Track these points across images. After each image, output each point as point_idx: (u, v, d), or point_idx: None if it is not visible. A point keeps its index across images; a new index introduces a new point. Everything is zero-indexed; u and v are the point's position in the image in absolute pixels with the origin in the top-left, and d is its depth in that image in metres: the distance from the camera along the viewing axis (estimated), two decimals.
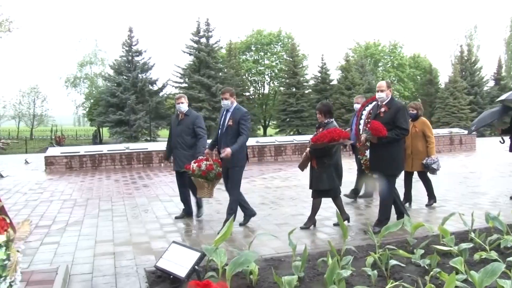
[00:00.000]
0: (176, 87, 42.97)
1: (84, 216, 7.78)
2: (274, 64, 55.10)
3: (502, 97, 9.09)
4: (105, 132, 48.51)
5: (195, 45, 41.98)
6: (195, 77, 40.11)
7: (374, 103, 6.66)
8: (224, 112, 6.68)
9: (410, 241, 5.21)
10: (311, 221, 6.63)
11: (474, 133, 17.67)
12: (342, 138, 6.21)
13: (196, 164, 6.48)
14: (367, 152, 6.50)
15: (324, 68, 45.49)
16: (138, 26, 59.99)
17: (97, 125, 44.87)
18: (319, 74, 45.73)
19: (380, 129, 5.91)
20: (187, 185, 7.18)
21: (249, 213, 6.87)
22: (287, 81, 45.98)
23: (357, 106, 8.15)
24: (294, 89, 44.75)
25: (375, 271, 4.03)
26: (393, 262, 4.27)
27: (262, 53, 56.27)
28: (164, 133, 37.11)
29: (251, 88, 54.05)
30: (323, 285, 3.89)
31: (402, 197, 7.29)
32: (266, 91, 56.87)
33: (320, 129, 6.53)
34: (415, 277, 3.98)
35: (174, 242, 4.87)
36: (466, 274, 3.80)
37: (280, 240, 5.82)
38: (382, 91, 6.20)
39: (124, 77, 40.13)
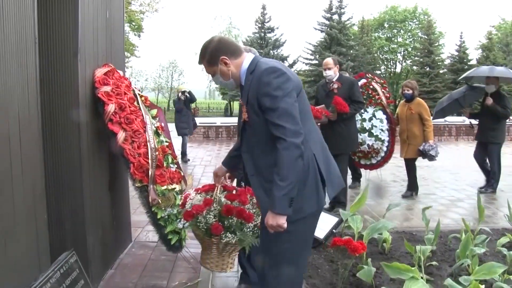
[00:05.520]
0: (306, 64, 43.33)
1: None
2: (408, 42, 52.92)
3: (468, 74, 7.94)
4: (235, 105, 50.60)
5: (327, 22, 41.82)
6: (326, 54, 39.97)
7: (362, 80, 7.54)
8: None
9: None
10: None
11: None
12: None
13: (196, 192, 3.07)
14: None
15: (462, 47, 42.84)
16: (270, 3, 61.01)
17: (228, 98, 46.97)
18: (456, 53, 43.19)
19: (344, 105, 5.81)
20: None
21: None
22: (421, 60, 44.00)
23: None
24: (428, 69, 42.73)
25: (511, 252, 4.03)
26: None
27: (395, 31, 54.27)
28: None
29: (382, 67, 52.62)
30: (454, 260, 4.00)
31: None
32: (398, 70, 54.96)
33: None
34: None
35: None
36: None
37: (412, 216, 5.98)
38: (329, 68, 6.08)
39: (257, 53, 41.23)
